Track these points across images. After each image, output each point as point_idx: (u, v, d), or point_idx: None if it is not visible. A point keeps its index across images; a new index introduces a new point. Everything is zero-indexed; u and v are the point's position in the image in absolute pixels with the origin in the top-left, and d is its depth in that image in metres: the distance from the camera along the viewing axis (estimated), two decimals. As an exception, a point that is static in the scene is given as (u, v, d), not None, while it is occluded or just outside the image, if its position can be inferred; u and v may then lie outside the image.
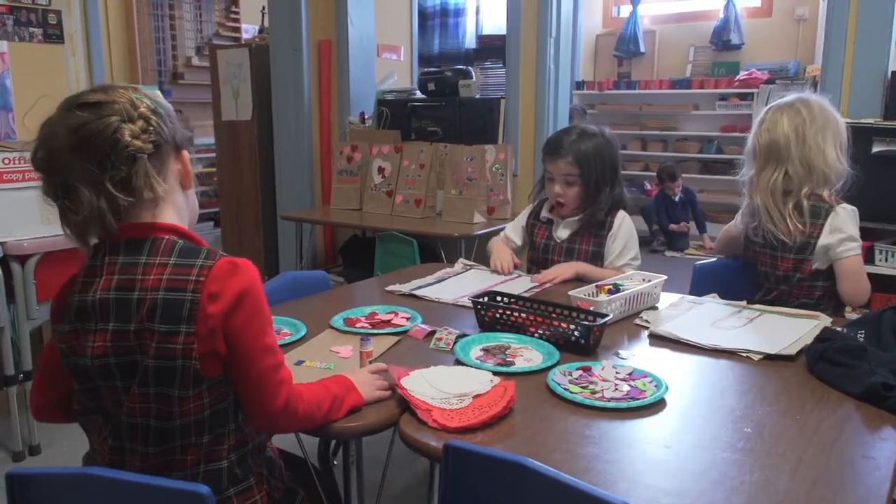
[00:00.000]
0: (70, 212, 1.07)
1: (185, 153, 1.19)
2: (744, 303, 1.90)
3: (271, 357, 1.14)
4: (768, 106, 2.04)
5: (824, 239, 1.92)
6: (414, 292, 2.05)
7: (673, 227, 6.31)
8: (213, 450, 1.13)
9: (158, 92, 1.25)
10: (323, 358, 1.53)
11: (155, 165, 1.10)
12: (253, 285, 1.10)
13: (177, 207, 1.17)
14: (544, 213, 2.32)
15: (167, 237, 1.11)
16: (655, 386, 1.36)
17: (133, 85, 1.20)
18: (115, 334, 1.07)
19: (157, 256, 1.08)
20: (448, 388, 1.31)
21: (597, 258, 2.22)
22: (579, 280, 2.15)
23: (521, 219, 2.43)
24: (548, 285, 2.10)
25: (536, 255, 2.34)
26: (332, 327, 1.74)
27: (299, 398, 1.18)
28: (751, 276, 2.16)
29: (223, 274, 1.08)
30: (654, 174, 7.05)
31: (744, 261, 2.18)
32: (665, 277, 1.94)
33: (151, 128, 1.09)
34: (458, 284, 2.16)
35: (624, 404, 1.29)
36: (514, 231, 2.43)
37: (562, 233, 2.27)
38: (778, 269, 2.00)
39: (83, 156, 1.04)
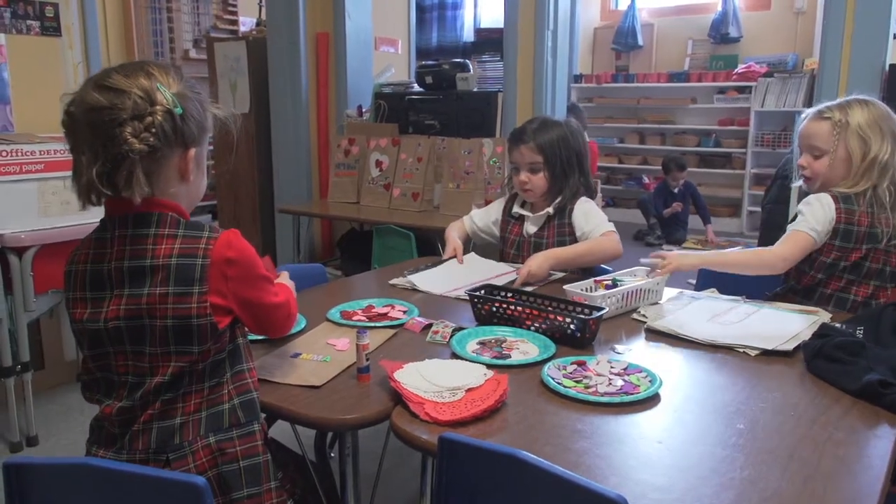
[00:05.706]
0: (76, 172, 1.14)
1: (192, 152, 1.19)
2: (742, 297, 1.89)
3: (272, 294, 1.28)
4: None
5: None
6: (412, 279, 2.07)
7: (666, 211, 6.31)
8: (212, 397, 1.20)
9: (191, 81, 1.22)
10: (319, 350, 1.54)
11: (147, 165, 1.13)
12: (250, 249, 1.23)
13: (169, 195, 1.20)
14: (516, 209, 2.34)
15: (171, 214, 1.18)
16: (650, 381, 1.36)
17: (167, 67, 1.19)
18: (128, 300, 1.15)
19: (165, 229, 1.16)
20: (441, 381, 1.32)
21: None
22: (558, 271, 2.15)
23: (495, 211, 2.42)
24: (529, 288, 1.97)
25: (509, 252, 2.36)
26: (328, 320, 1.74)
27: (292, 306, 1.38)
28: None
29: (232, 242, 1.18)
30: (652, 168, 7.05)
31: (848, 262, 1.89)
32: (667, 276, 1.93)
33: (154, 129, 1.11)
34: (453, 274, 2.18)
35: (617, 399, 1.29)
36: (481, 218, 2.43)
37: (530, 228, 2.29)
38: None
39: (90, 133, 1.11)
